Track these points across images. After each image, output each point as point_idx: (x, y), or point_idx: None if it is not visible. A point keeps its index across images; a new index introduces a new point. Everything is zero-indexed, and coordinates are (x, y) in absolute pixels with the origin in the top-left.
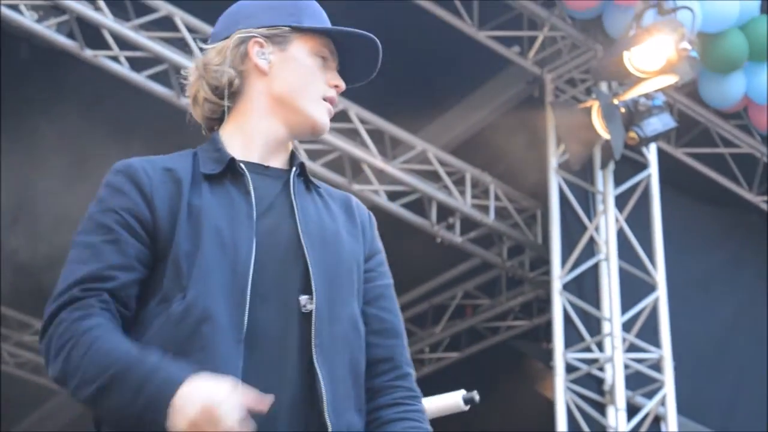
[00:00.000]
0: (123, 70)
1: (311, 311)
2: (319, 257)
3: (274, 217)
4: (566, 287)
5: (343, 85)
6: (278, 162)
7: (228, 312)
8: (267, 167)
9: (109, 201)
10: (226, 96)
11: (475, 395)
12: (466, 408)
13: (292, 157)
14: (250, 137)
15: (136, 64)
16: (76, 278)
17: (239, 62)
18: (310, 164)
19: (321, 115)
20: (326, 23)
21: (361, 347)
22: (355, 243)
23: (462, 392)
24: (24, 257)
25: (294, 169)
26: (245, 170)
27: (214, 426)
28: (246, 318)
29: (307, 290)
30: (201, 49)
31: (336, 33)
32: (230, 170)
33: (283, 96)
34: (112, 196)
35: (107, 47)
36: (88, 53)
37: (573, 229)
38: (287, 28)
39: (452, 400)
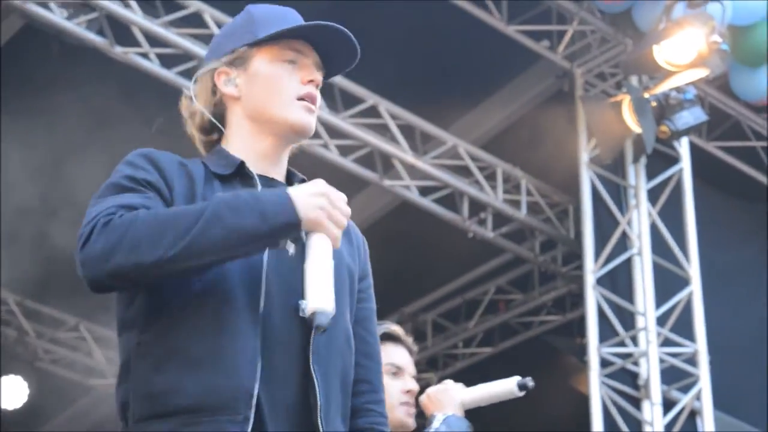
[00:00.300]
0: (153, 66)
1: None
2: None
3: None
4: (599, 282)
5: (318, 78)
6: (277, 175)
7: (244, 295)
8: (271, 179)
9: (131, 172)
10: (220, 124)
11: (530, 381)
12: (521, 394)
13: (290, 174)
14: (244, 155)
15: (166, 61)
16: (111, 204)
17: (211, 96)
18: (341, 160)
19: (297, 116)
20: (288, 24)
21: (351, 360)
22: (352, 262)
23: (516, 379)
24: (60, 252)
25: (295, 183)
26: (254, 174)
27: (335, 207)
28: (262, 302)
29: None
30: None
31: (289, 33)
32: (240, 174)
33: (258, 112)
34: (135, 170)
35: (137, 44)
36: (118, 50)
37: (605, 223)
38: (244, 48)
39: (506, 387)
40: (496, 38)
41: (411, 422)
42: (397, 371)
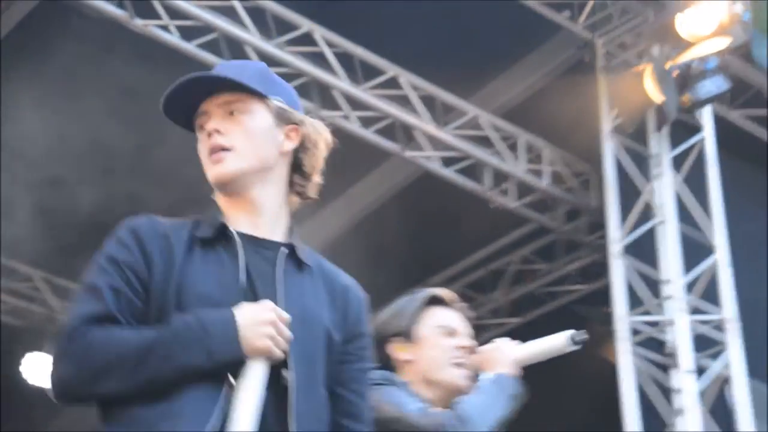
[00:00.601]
0: (173, 39)
1: (288, 385)
2: (297, 336)
3: (259, 288)
4: (624, 250)
5: (209, 126)
6: (267, 228)
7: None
8: (259, 239)
9: (115, 253)
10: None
11: (583, 334)
12: (576, 348)
13: (291, 231)
14: (230, 218)
15: (186, 33)
16: (79, 314)
17: None
18: (363, 132)
19: (210, 174)
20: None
21: (327, 426)
22: (333, 326)
23: (570, 332)
24: (88, 227)
25: (282, 249)
26: (235, 235)
27: (280, 333)
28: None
29: (285, 366)
30: (249, 16)
31: (170, 111)
32: (223, 236)
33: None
34: (119, 249)
35: (157, 16)
36: (138, 22)
37: (629, 192)
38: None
39: (560, 341)
40: (517, 9)
41: (464, 384)
42: (453, 332)
